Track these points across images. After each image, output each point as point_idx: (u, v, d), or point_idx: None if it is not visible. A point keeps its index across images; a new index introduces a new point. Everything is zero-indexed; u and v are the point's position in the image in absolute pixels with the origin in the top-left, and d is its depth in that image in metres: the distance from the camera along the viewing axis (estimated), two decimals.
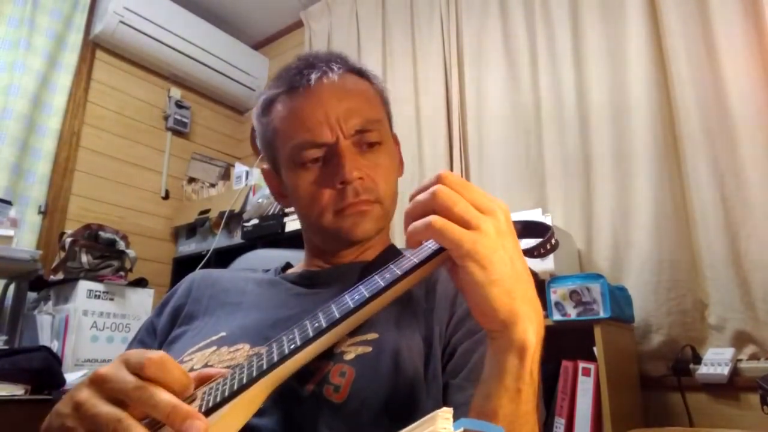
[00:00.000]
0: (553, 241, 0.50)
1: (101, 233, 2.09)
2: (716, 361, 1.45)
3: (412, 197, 0.46)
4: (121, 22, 2.53)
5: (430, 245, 0.46)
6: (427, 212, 0.43)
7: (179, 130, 2.92)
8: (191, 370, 0.56)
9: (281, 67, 0.75)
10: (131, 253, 2.14)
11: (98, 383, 0.41)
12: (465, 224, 0.42)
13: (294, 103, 0.69)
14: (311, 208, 0.69)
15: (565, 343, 1.46)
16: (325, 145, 0.67)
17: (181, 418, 0.37)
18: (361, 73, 0.75)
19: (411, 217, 0.44)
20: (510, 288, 0.43)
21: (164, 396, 0.39)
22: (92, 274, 2.00)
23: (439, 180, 0.44)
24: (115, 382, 0.40)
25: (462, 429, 0.30)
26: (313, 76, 0.68)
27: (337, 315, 0.46)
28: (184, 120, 2.94)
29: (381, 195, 0.69)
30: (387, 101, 0.78)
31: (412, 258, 0.47)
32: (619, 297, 1.46)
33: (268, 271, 0.81)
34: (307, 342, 0.45)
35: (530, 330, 0.43)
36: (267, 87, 0.75)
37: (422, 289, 0.66)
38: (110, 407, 0.39)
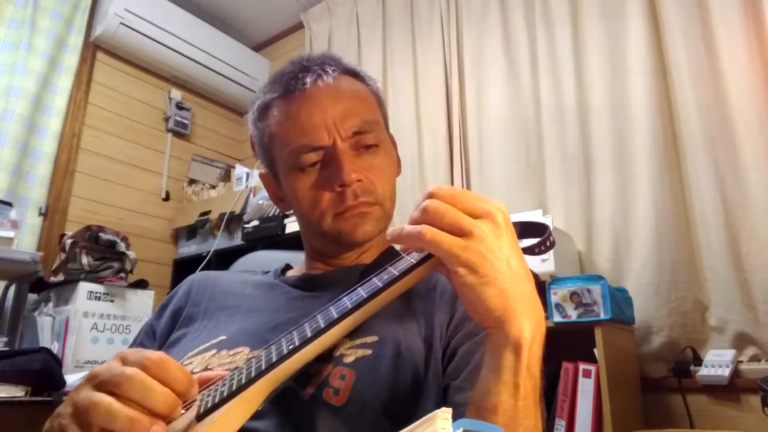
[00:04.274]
0: (551, 239, 0.51)
1: (101, 235, 2.08)
2: (717, 362, 1.45)
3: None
4: (122, 23, 2.53)
5: None
6: None
7: (180, 132, 2.92)
8: (191, 373, 0.56)
9: (277, 70, 0.75)
10: (131, 254, 2.13)
11: (91, 379, 0.42)
12: (457, 232, 0.43)
13: (290, 108, 0.69)
14: (311, 211, 0.69)
15: (565, 344, 1.46)
16: (323, 149, 0.67)
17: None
18: (356, 75, 0.75)
19: None
20: (505, 287, 0.43)
21: (152, 387, 0.40)
22: (92, 276, 2.00)
23: (430, 196, 0.46)
24: (104, 374, 0.41)
25: (461, 429, 0.30)
26: (308, 80, 0.68)
27: (335, 315, 0.46)
28: (185, 121, 2.94)
29: (380, 196, 0.69)
30: (382, 102, 0.78)
31: (409, 259, 0.47)
32: (619, 298, 1.46)
33: (267, 273, 0.81)
34: (305, 342, 0.45)
35: (526, 326, 0.43)
36: (262, 91, 0.74)
37: (422, 291, 0.65)
38: (102, 395, 0.40)
